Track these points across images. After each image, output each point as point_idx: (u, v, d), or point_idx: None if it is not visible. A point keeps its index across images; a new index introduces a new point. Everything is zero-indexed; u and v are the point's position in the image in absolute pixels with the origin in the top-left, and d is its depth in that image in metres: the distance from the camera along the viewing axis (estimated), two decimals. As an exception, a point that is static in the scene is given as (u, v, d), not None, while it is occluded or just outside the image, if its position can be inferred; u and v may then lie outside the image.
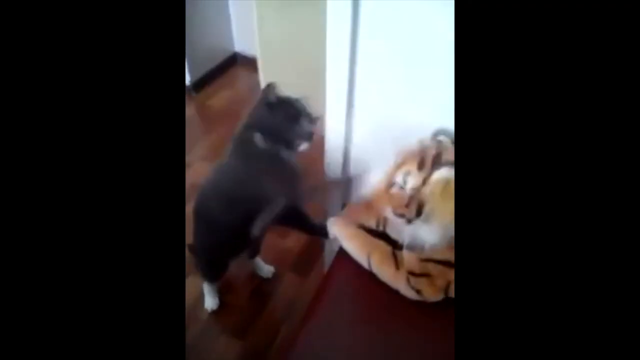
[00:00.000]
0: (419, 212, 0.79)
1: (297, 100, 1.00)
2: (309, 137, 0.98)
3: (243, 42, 2.63)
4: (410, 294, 0.88)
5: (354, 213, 1.05)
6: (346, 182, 1.34)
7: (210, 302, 1.43)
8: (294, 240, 1.69)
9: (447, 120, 0.79)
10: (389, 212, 0.85)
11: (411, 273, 0.87)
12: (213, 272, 1.38)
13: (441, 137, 0.89)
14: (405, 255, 0.88)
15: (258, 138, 0.97)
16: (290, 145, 0.98)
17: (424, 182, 0.77)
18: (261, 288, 1.52)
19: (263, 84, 2.09)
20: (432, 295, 0.87)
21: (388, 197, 0.82)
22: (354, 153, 1.23)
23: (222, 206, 1.07)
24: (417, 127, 1.06)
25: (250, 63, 2.50)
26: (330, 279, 1.00)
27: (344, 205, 1.43)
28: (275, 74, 2.07)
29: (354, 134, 1.19)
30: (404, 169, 0.80)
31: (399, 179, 0.80)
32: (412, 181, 0.78)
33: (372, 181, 0.97)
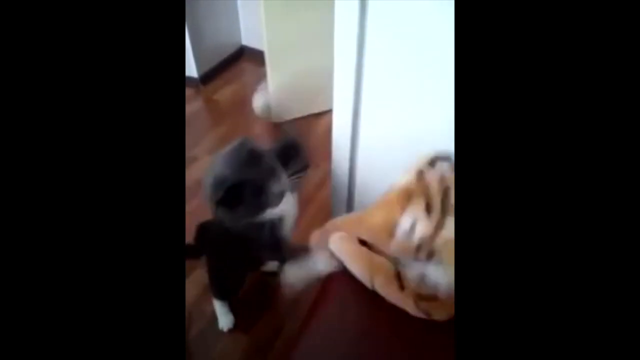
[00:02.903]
0: (429, 257, 0.72)
1: (268, 155, 0.93)
2: (279, 198, 0.92)
3: (250, 35, 2.62)
4: (418, 315, 0.84)
5: (350, 225, 0.96)
6: (353, 186, 1.33)
7: (224, 321, 1.39)
8: (300, 236, 1.69)
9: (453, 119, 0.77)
10: (393, 251, 0.79)
11: (418, 295, 0.82)
12: (224, 290, 1.38)
13: (440, 164, 0.80)
14: (411, 278, 0.82)
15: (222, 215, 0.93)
16: (257, 211, 0.93)
17: (436, 230, 0.70)
18: (266, 283, 1.52)
19: (270, 78, 2.10)
20: (440, 316, 0.83)
21: (393, 243, 0.75)
22: (361, 150, 1.22)
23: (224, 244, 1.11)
24: (426, 127, 1.05)
25: (257, 57, 2.49)
26: (334, 278, 0.98)
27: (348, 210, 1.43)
28: (282, 67, 2.07)
29: (361, 129, 1.18)
30: (410, 213, 0.72)
31: (405, 224, 0.72)
32: (422, 229, 0.70)
33: (378, 188, 0.90)
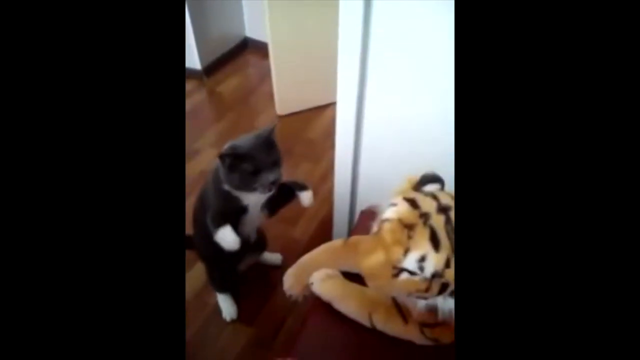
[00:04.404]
0: (442, 292, 0.67)
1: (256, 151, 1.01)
2: (266, 187, 1.01)
3: (254, 27, 2.61)
4: (426, 343, 0.80)
5: (332, 259, 0.84)
6: (356, 179, 1.33)
7: (227, 311, 1.41)
8: (302, 230, 1.69)
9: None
10: (397, 292, 0.74)
11: (424, 324, 0.78)
12: (220, 282, 1.41)
13: (430, 188, 0.72)
14: (413, 305, 0.77)
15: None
16: (244, 186, 1.02)
17: (448, 263, 0.63)
18: (268, 276, 1.52)
19: (273, 70, 2.09)
20: (449, 339, 0.80)
21: (398, 283, 0.67)
22: (365, 143, 1.21)
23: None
24: (430, 120, 1.04)
25: (261, 48, 2.48)
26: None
27: (351, 208, 1.42)
28: (286, 59, 2.05)
29: (365, 122, 1.17)
30: (415, 248, 0.64)
31: (410, 265, 0.64)
32: (433, 265, 0.63)
33: (381, 181, 0.88)
